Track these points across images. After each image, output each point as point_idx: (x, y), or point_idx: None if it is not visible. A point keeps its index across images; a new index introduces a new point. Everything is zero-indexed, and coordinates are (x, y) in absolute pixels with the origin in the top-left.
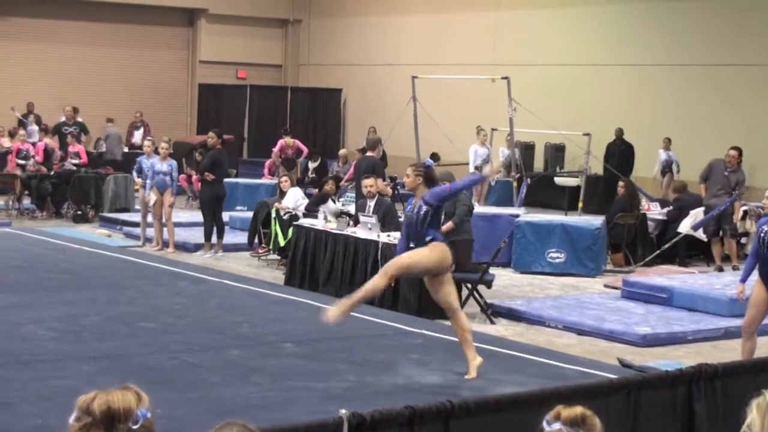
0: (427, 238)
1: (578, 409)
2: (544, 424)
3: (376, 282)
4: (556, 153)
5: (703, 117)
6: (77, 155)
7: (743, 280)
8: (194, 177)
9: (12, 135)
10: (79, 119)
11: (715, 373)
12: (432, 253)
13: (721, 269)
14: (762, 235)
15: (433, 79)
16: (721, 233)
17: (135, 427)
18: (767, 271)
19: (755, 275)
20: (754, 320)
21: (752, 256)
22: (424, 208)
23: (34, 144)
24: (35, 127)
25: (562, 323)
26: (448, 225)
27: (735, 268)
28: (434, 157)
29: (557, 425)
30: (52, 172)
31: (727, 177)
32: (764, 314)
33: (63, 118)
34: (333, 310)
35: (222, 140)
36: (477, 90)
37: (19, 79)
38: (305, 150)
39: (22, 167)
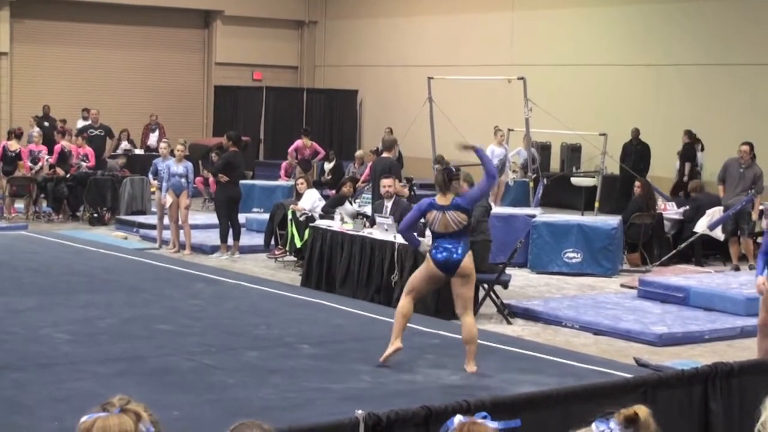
0: None
1: (643, 409)
2: (593, 427)
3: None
4: (572, 153)
5: (719, 117)
6: (86, 157)
7: (761, 273)
8: (211, 179)
9: (18, 136)
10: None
11: (730, 372)
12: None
13: (737, 268)
14: None
15: (449, 79)
16: (739, 232)
17: None
18: None
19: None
20: None
21: (763, 253)
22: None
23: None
24: (37, 130)
25: (578, 323)
26: None
27: (752, 268)
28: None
29: (612, 423)
30: (68, 175)
31: (743, 173)
32: None
33: (82, 121)
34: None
35: (236, 143)
36: (493, 90)
37: (35, 82)
38: (322, 152)
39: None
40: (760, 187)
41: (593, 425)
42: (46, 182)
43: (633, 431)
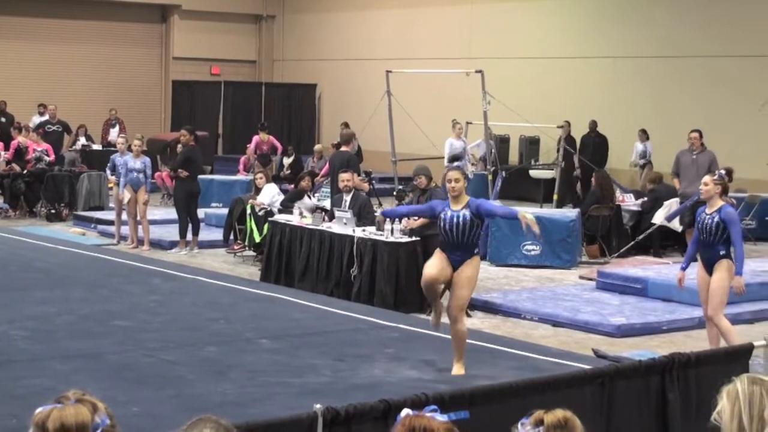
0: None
1: (559, 413)
2: (519, 426)
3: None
4: (531, 146)
5: (677, 109)
6: (46, 152)
7: (684, 268)
8: (165, 173)
9: None
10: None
11: (687, 362)
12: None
13: (695, 259)
14: (700, 221)
15: (408, 73)
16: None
17: None
18: (707, 257)
19: None
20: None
21: (693, 243)
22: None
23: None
24: None
25: (537, 315)
26: (422, 219)
27: None
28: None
29: (539, 430)
30: (25, 171)
31: (696, 159)
32: None
33: (38, 117)
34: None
35: (195, 137)
36: (451, 84)
37: None
38: (280, 147)
39: None
40: (715, 172)
41: (519, 426)
42: (3, 178)
43: None
